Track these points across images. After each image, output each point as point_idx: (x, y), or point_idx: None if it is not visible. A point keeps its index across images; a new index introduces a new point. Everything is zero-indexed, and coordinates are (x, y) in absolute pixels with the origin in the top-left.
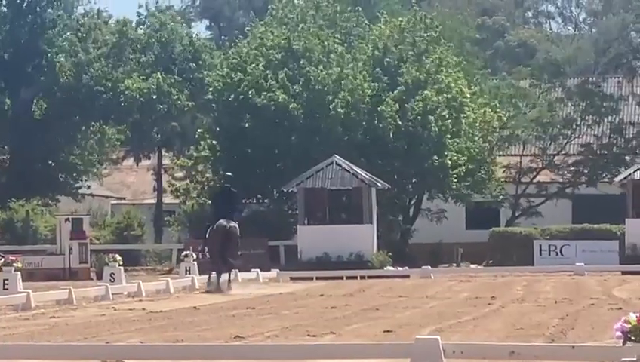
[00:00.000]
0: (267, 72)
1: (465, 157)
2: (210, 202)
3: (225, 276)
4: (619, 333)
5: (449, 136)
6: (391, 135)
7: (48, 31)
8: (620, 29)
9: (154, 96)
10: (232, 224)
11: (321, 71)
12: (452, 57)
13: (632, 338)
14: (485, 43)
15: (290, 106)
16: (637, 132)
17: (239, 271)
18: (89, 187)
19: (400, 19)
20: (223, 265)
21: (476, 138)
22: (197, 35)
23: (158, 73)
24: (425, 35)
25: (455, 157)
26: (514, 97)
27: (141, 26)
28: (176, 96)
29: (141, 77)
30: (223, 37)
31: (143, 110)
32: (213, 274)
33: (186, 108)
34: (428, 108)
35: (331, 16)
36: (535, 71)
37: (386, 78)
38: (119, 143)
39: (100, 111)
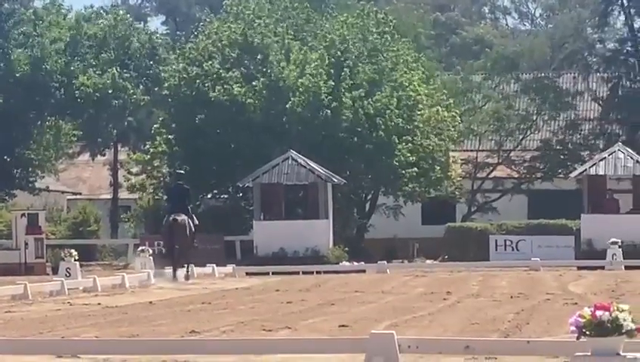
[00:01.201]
0: (223, 68)
1: (415, 158)
2: (165, 198)
3: (182, 270)
4: (573, 328)
5: (397, 137)
6: (344, 133)
7: (4, 24)
8: (576, 24)
9: (110, 92)
10: (182, 217)
11: (283, 69)
12: (410, 53)
13: (587, 332)
14: (440, 39)
15: (248, 101)
16: (593, 128)
17: (194, 265)
18: (44, 178)
19: (345, 14)
20: (176, 257)
21: (431, 136)
22: (156, 30)
23: (114, 68)
24: (376, 30)
25: (404, 159)
26: (468, 91)
27: (99, 21)
28: (132, 92)
29: (97, 72)
30: (179, 32)
31: (99, 105)
32: (184, 267)
33: (142, 103)
34: (379, 109)
35: (283, 12)
36: (488, 64)
37: (344, 77)
38: (75, 138)
39: (56, 106)
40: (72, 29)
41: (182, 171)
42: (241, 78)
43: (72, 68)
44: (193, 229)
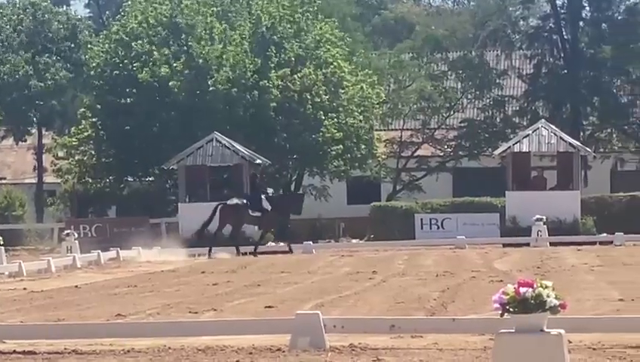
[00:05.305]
0: (152, 47)
1: (340, 134)
2: None
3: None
4: (497, 305)
5: (323, 113)
6: (272, 112)
7: None
8: (499, 2)
9: (31, 74)
10: (234, 202)
11: (204, 46)
12: (334, 32)
13: (510, 309)
14: (364, 19)
15: (170, 83)
16: (518, 105)
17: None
18: None
19: None
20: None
21: (355, 114)
22: (75, 13)
23: (30, 53)
24: (301, 10)
25: (330, 135)
26: (394, 71)
27: (13, 6)
28: (54, 75)
29: (18, 56)
30: (102, 14)
31: (20, 89)
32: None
33: (65, 90)
34: (306, 85)
35: None
36: (416, 45)
37: (270, 55)
38: None
39: None
40: None
41: (260, 162)
42: (168, 58)
43: None
44: (252, 213)
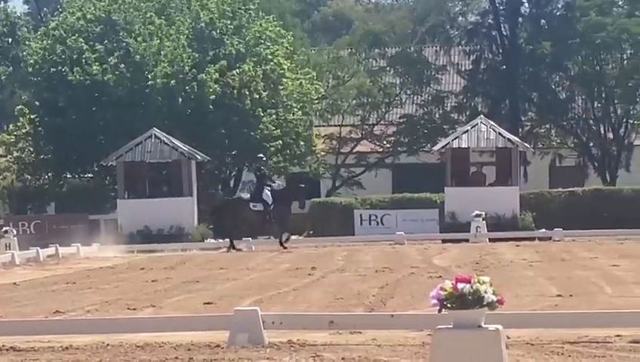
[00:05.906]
0: (86, 45)
1: (279, 131)
2: None
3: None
4: (435, 301)
5: (262, 110)
6: (211, 106)
7: None
8: None
9: None
10: (234, 197)
11: (141, 43)
12: (275, 30)
13: (448, 305)
14: (303, 15)
15: (106, 78)
16: (457, 101)
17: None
18: None
19: None
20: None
21: (295, 110)
22: (14, 8)
23: None
24: (242, 7)
25: (268, 131)
26: (333, 67)
27: None
28: None
29: None
30: (41, 11)
31: None
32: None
33: (3, 86)
34: (245, 81)
35: None
36: (354, 40)
37: (208, 49)
38: None
39: None
40: None
41: (262, 155)
42: (102, 55)
43: None
44: (251, 207)
